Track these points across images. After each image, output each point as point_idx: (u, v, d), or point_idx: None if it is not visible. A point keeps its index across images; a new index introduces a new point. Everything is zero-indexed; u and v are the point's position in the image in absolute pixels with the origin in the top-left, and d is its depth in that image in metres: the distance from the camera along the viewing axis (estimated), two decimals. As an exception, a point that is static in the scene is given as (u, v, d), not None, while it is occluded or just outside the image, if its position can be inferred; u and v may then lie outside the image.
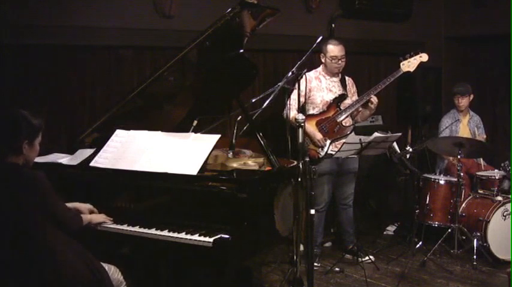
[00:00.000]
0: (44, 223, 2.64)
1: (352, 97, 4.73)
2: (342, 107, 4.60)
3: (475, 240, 4.75)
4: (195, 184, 3.09)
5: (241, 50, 3.57)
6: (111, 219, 3.07)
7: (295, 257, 3.62)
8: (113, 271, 2.90)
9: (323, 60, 4.68)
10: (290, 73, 3.79)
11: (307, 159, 3.32)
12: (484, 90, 6.99)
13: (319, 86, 4.64)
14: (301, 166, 3.28)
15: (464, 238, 4.88)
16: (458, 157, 4.76)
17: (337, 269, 4.61)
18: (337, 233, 5.27)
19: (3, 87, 3.93)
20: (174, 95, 3.76)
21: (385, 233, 5.70)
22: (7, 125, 2.70)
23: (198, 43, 3.34)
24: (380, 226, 5.79)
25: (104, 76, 4.46)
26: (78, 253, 2.76)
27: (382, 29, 6.37)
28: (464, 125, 5.55)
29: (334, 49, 4.60)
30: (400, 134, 4.62)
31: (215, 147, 3.20)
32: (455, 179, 4.85)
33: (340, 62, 4.63)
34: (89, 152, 3.46)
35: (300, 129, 3.30)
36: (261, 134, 3.41)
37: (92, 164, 3.33)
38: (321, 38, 3.85)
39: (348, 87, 4.74)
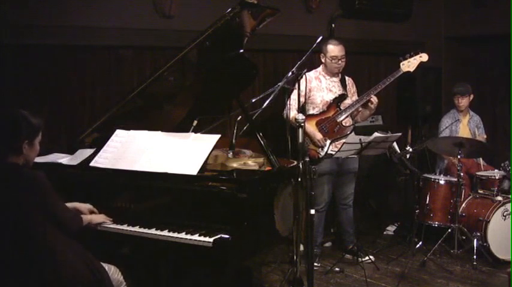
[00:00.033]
0: (44, 223, 2.64)
1: (352, 97, 4.73)
2: (342, 107, 4.60)
3: (475, 240, 4.75)
4: (195, 184, 3.09)
5: (241, 50, 3.57)
6: (111, 219, 3.07)
7: (295, 257, 3.62)
8: (113, 271, 2.89)
9: (323, 60, 4.68)
10: (290, 73, 3.79)
11: (307, 159, 3.32)
12: (484, 90, 6.99)
13: (319, 86, 4.64)
14: (301, 166, 3.28)
15: (464, 238, 4.88)
16: (458, 157, 4.76)
17: (337, 269, 4.61)
18: (337, 233, 5.27)
19: (3, 87, 3.93)
20: (174, 95, 3.76)
21: (385, 233, 5.70)
22: (7, 125, 2.70)
23: (198, 43, 3.34)
24: (380, 226, 5.79)
25: (104, 76, 4.46)
26: (78, 253, 2.76)
27: (382, 29, 6.37)
28: (464, 125, 5.55)
29: (334, 49, 4.61)
30: (400, 134, 4.62)
31: (215, 147, 3.20)
32: (455, 179, 4.85)
33: (340, 62, 4.63)
34: (89, 152, 3.46)
35: (300, 129, 3.31)
36: (261, 134, 3.41)
37: (92, 164, 3.33)
38: (321, 38, 3.85)
39: (348, 87, 4.74)
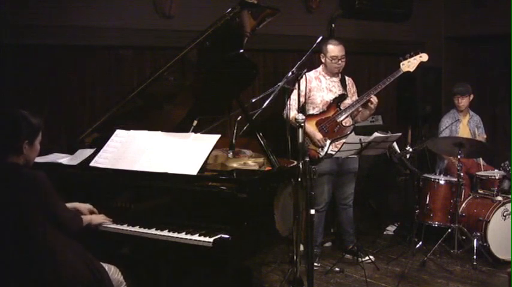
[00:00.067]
0: (44, 223, 2.64)
1: (352, 97, 4.73)
2: (342, 107, 4.60)
3: (475, 240, 4.75)
4: (195, 184, 3.09)
5: (241, 50, 3.57)
6: (111, 219, 3.07)
7: (295, 257, 3.62)
8: (113, 271, 2.89)
9: (323, 60, 4.68)
10: (290, 73, 3.79)
11: (307, 159, 3.32)
12: (484, 90, 6.99)
13: (319, 86, 4.64)
14: (301, 166, 3.28)
15: (464, 238, 4.88)
16: (458, 157, 4.76)
17: (337, 269, 4.61)
18: (337, 233, 5.27)
19: (3, 87, 3.93)
20: (174, 95, 3.76)
21: (385, 233, 5.70)
22: (7, 125, 2.70)
23: (198, 43, 3.34)
24: (380, 226, 5.79)
25: (104, 76, 4.46)
26: (78, 253, 2.76)
27: (382, 29, 6.37)
28: (464, 125, 5.55)
29: (334, 49, 4.61)
30: (400, 134, 4.62)
31: (215, 147, 3.20)
32: (455, 179, 4.85)
33: (340, 62, 4.63)
34: (89, 152, 3.46)
35: (300, 129, 3.31)
36: (261, 134, 3.41)
37: (92, 164, 3.33)
38: (321, 38, 3.85)
39: (347, 87, 4.74)
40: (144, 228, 3.00)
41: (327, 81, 4.68)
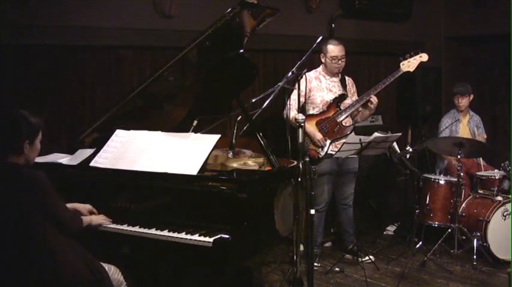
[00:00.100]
0: (44, 223, 2.64)
1: (352, 97, 4.73)
2: (342, 107, 4.60)
3: (475, 240, 4.75)
4: (195, 184, 3.09)
5: (241, 50, 3.57)
6: (111, 220, 3.07)
7: (295, 257, 3.62)
8: (113, 271, 2.90)
9: (323, 60, 4.68)
10: (290, 73, 3.79)
11: (307, 159, 3.32)
12: (484, 90, 6.99)
13: (319, 86, 4.64)
14: (301, 166, 3.28)
15: (464, 238, 4.88)
16: (458, 157, 4.76)
17: (337, 269, 4.61)
18: (337, 233, 5.27)
19: (3, 87, 3.93)
20: (174, 95, 3.76)
21: (385, 233, 5.70)
22: (7, 125, 2.70)
23: (198, 43, 3.34)
24: (380, 226, 5.79)
25: (104, 76, 4.46)
26: (78, 253, 2.76)
27: (382, 29, 6.37)
28: (464, 125, 5.55)
29: (334, 49, 4.61)
30: (400, 134, 4.62)
31: (215, 147, 3.20)
32: (455, 179, 4.85)
33: (340, 62, 4.63)
34: (89, 152, 3.46)
35: (300, 129, 3.31)
36: (261, 134, 3.41)
37: (92, 164, 3.33)
38: (321, 38, 3.85)
39: (347, 87, 4.74)
40: (144, 228, 3.00)
41: (327, 81, 4.68)
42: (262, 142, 3.38)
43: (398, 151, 4.91)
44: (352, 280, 4.48)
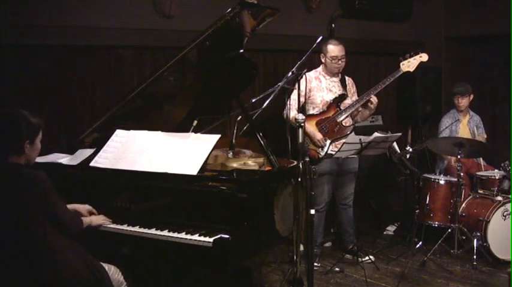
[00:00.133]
0: (45, 223, 2.64)
1: (352, 97, 4.73)
2: (341, 107, 4.60)
3: (475, 240, 4.75)
4: (195, 184, 3.09)
5: (241, 50, 3.57)
6: (110, 220, 3.07)
7: (295, 257, 3.62)
8: (113, 271, 2.90)
9: (323, 60, 4.68)
10: (290, 73, 3.79)
11: (307, 159, 3.32)
12: (484, 90, 6.99)
13: (319, 86, 4.64)
14: (301, 166, 3.28)
15: (464, 238, 4.88)
16: (458, 157, 4.76)
17: (337, 269, 4.61)
18: (337, 233, 5.27)
19: (3, 87, 3.93)
20: (174, 95, 3.76)
21: (385, 233, 5.70)
22: (7, 125, 2.70)
23: (198, 43, 3.34)
24: (380, 226, 5.79)
25: (104, 76, 4.46)
26: (78, 253, 2.76)
27: (382, 29, 6.37)
28: (464, 125, 5.55)
29: (334, 49, 4.61)
30: (400, 134, 4.62)
31: (215, 147, 3.20)
32: (455, 179, 4.85)
33: (340, 62, 4.63)
34: (89, 152, 3.46)
35: (300, 129, 3.31)
36: (261, 134, 3.41)
37: (92, 164, 3.33)
38: (321, 38, 3.85)
39: (347, 87, 4.74)
40: (144, 228, 3.00)
41: (327, 81, 4.68)
42: (262, 142, 3.38)
43: (398, 151, 4.91)
44: (352, 280, 4.48)
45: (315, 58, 4.68)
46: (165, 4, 4.62)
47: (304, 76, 4.03)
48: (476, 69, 7.10)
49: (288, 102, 4.17)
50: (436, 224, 5.04)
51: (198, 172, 3.07)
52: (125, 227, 3.03)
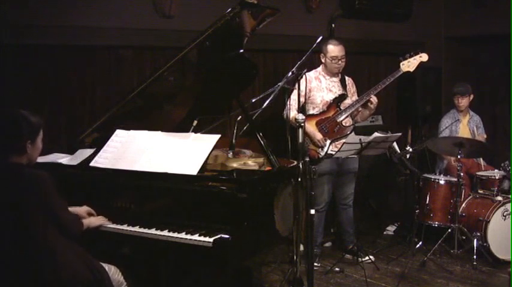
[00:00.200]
0: (45, 223, 2.64)
1: (352, 97, 4.73)
2: (341, 107, 4.60)
3: (475, 240, 4.75)
4: (195, 184, 3.09)
5: (241, 50, 3.57)
6: (110, 221, 3.07)
7: (295, 257, 3.62)
8: (113, 272, 2.89)
9: (323, 61, 4.68)
10: (290, 73, 3.79)
11: (307, 159, 3.32)
12: (484, 90, 6.99)
13: (319, 86, 4.65)
14: (301, 166, 3.28)
15: (464, 238, 4.88)
16: (458, 157, 4.76)
17: (337, 269, 4.61)
18: (337, 233, 5.27)
19: (3, 87, 3.93)
20: (174, 95, 3.76)
21: (385, 233, 5.70)
22: (8, 125, 2.71)
23: (198, 43, 3.34)
24: (380, 226, 5.79)
25: (104, 76, 4.46)
26: (78, 254, 2.76)
27: (382, 29, 6.37)
28: (464, 125, 5.56)
29: (334, 49, 4.61)
30: (400, 134, 4.62)
31: (215, 147, 3.20)
32: (455, 179, 4.85)
33: (340, 62, 4.63)
34: (89, 152, 3.46)
35: (300, 129, 3.31)
36: (261, 134, 3.41)
37: (92, 164, 3.33)
38: (321, 38, 3.85)
39: (347, 87, 4.74)
40: (144, 228, 3.00)
41: (327, 81, 4.68)
42: (262, 142, 3.38)
43: (398, 151, 4.91)
44: (352, 280, 4.48)
45: (315, 58, 4.68)
46: (165, 4, 4.62)
47: (304, 76, 4.03)
48: (476, 69, 7.10)
49: (288, 102, 4.17)
50: (436, 224, 5.04)
51: (198, 172, 3.07)
52: (125, 227, 3.03)
